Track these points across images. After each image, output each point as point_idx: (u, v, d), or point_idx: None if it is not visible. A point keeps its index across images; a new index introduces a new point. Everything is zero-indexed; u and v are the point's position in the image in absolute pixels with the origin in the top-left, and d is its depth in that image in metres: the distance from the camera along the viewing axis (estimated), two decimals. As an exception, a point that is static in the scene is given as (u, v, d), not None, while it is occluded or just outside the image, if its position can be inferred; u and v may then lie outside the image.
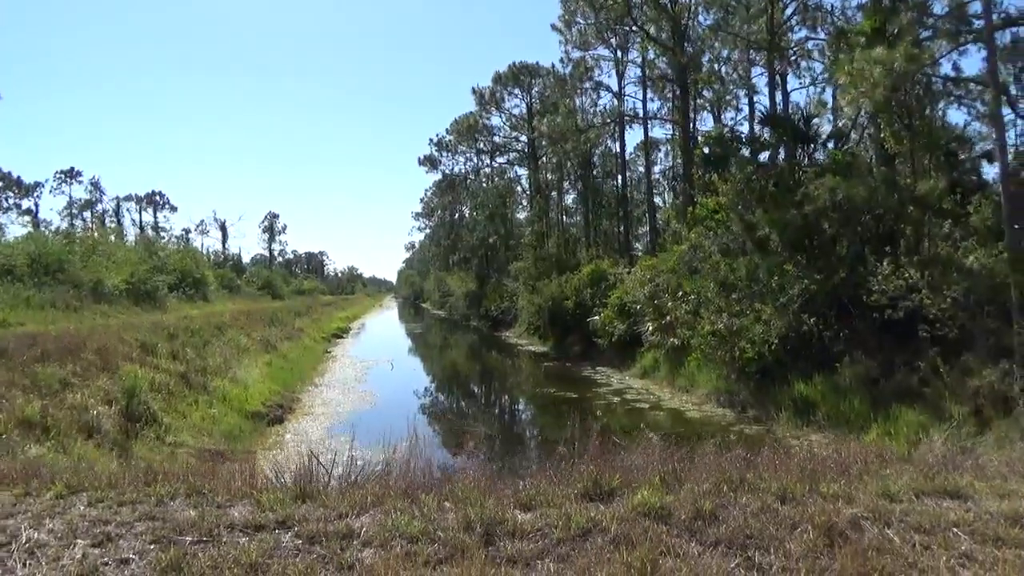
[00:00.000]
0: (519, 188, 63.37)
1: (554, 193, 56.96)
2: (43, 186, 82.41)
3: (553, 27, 37.32)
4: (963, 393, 12.29)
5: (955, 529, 3.99)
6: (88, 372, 14.06)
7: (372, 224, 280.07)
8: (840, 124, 25.64)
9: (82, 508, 4.63)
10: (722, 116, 41.95)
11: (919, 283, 14.36)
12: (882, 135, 19.24)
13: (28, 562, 3.81)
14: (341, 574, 3.68)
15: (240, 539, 4.09)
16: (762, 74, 32.10)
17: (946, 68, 17.87)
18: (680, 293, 21.94)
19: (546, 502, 4.58)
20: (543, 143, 50.50)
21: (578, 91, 43.16)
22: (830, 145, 22.46)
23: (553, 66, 46.29)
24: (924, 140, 18.11)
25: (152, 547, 4.00)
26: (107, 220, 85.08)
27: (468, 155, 69.85)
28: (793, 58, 30.37)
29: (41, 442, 10.63)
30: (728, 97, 40.66)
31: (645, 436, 5.87)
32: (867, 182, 17.48)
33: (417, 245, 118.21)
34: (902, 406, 13.05)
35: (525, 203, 60.34)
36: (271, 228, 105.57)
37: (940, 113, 20.36)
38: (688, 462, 5.27)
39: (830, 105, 31.46)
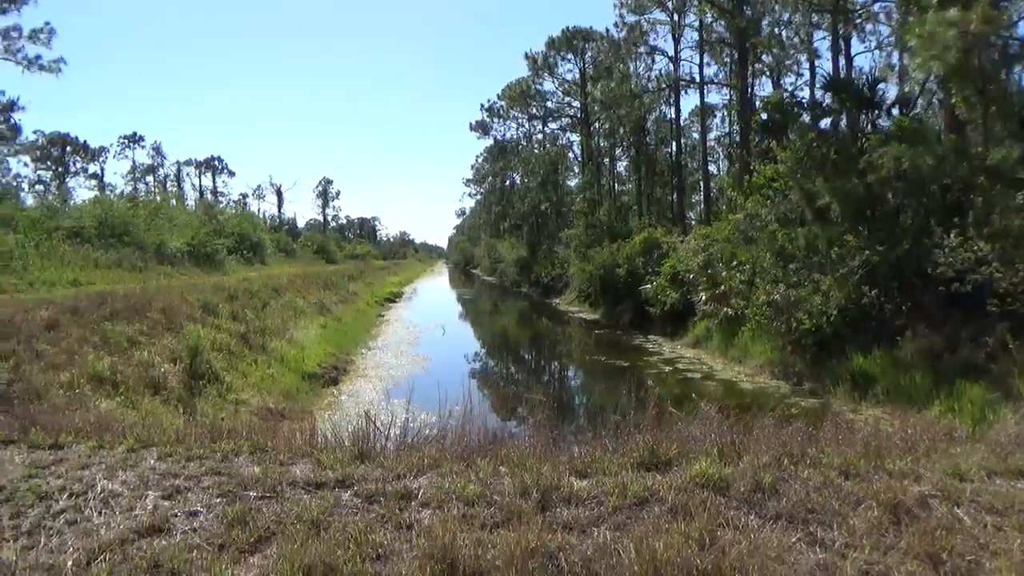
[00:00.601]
0: (571, 155, 62.76)
1: (606, 160, 56.21)
2: (108, 151, 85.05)
3: (609, -10, 36.48)
4: (1033, 370, 11.81)
5: (1030, 511, 3.85)
6: (154, 331, 14.57)
7: (424, 190, 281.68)
8: (907, 89, 24.56)
9: (152, 462, 4.82)
10: (782, 81, 40.62)
11: (989, 256, 13.76)
12: (952, 101, 18.34)
13: (103, 511, 3.99)
14: (400, 533, 3.75)
15: (302, 496, 4.21)
16: (825, 38, 30.95)
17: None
18: (735, 263, 21.52)
19: (601, 470, 4.58)
20: (596, 109, 49.75)
21: (632, 56, 42.23)
22: (896, 111, 21.55)
23: (607, 31, 45.36)
24: (998, 106, 17.20)
25: (219, 501, 4.14)
26: (168, 184, 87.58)
27: (520, 121, 69.45)
28: (858, 21, 29.12)
29: (111, 397, 11.08)
30: (788, 62, 39.27)
31: (701, 407, 5.80)
32: (935, 150, 16.72)
33: (468, 211, 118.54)
34: (967, 382, 12.60)
35: (577, 170, 59.74)
36: (325, 193, 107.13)
37: (1016, 78, 19.29)
38: (746, 434, 5.19)
39: (897, 69, 30.18)
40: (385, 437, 5.40)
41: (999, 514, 3.84)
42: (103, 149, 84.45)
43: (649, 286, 27.13)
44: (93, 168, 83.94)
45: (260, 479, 4.43)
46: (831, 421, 5.57)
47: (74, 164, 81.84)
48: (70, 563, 3.40)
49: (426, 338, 27.43)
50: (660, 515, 3.89)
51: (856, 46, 32.55)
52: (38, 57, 33.01)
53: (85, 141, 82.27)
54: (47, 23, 33.32)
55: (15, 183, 66.93)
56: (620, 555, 3.40)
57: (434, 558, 3.30)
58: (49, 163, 78.19)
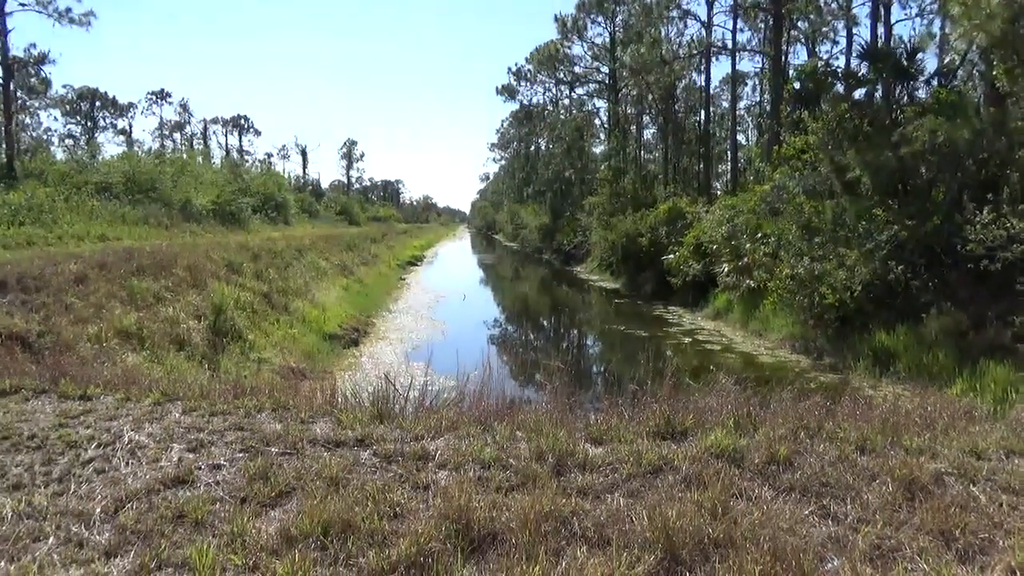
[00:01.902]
0: (597, 121, 62.00)
1: (633, 127, 55.52)
2: (136, 107, 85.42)
3: (642, -50, 35.70)
4: (1061, 351, 11.64)
5: (1047, 492, 3.83)
6: (179, 288, 14.79)
7: (448, 154, 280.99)
8: (947, 60, 23.89)
9: (177, 415, 4.94)
10: (817, 49, 39.71)
11: (1021, 233, 13.49)
12: (994, 73, 17.83)
13: (130, 461, 4.11)
14: (417, 493, 3.82)
15: (322, 454, 4.30)
16: (864, 4, 30.06)
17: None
18: (759, 235, 21.29)
19: (617, 438, 4.61)
20: (625, 75, 48.98)
21: (664, 20, 41.36)
22: (934, 83, 20.99)
23: (640, -7, 44.45)
24: (1042, 79, 16.68)
25: (241, 455, 4.24)
26: (195, 142, 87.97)
27: (547, 85, 68.48)
28: (900, -14, 28.26)
29: (137, 351, 11.33)
30: (825, 29, 38.30)
31: (719, 379, 5.80)
32: (973, 123, 16.29)
33: (492, 176, 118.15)
34: (991, 361, 12.45)
35: (603, 137, 59.05)
36: (349, 155, 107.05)
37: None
38: (763, 407, 5.20)
39: (937, 39, 29.33)
40: (404, 399, 5.48)
41: (1015, 493, 3.82)
42: (131, 105, 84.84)
43: (671, 256, 26.96)
44: (121, 124, 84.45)
45: (282, 436, 4.53)
46: (850, 396, 5.55)
47: (103, 119, 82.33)
48: (98, 510, 3.51)
49: (446, 303, 27.56)
50: (674, 484, 3.92)
51: (897, 13, 31.57)
52: (68, 10, 33.17)
53: (114, 96, 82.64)
54: (78, -25, 33.41)
55: (45, 137, 67.77)
56: (633, 521, 3.44)
57: (450, 518, 3.37)
58: (79, 117, 78.78)
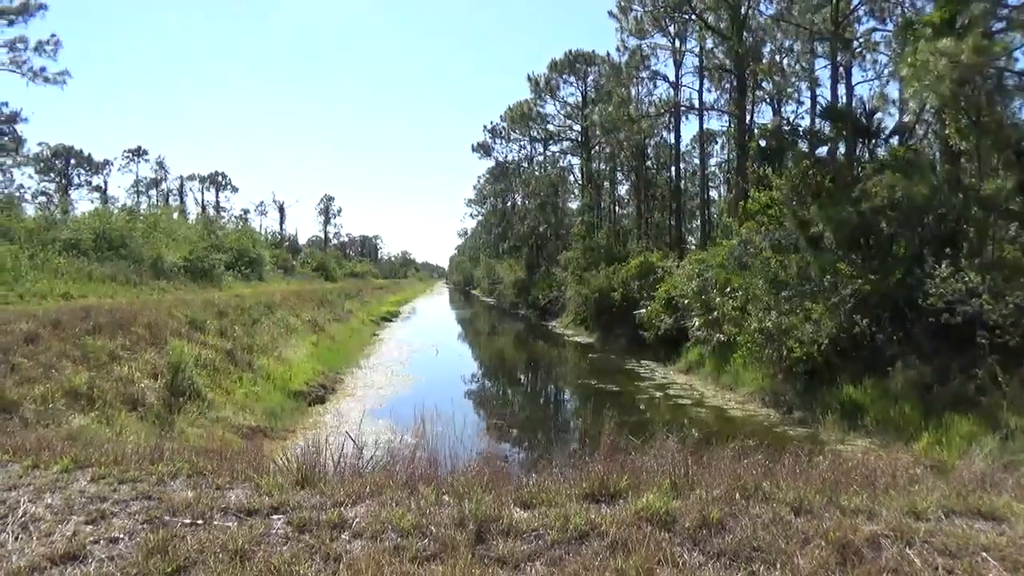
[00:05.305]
0: (571, 177, 62.90)
1: (607, 183, 56.30)
2: (112, 164, 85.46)
3: (610, 14, 36.87)
4: (1022, 404, 11.62)
5: (984, 553, 3.69)
6: (137, 346, 14.42)
7: (427, 209, 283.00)
8: (904, 119, 24.56)
9: (84, 483, 4.66)
10: (782, 108, 40.69)
11: (980, 287, 13.62)
12: (947, 131, 18.30)
13: (20, 536, 3.84)
14: (327, 565, 3.60)
15: (231, 523, 4.06)
16: (825, 66, 31.00)
17: (1023, 63, 16.92)
18: (728, 289, 21.40)
19: (547, 501, 4.42)
20: (597, 132, 49.93)
21: (633, 80, 42.36)
22: (892, 141, 21.53)
23: (609, 55, 45.70)
24: (992, 137, 17.13)
25: (143, 527, 3.99)
26: (171, 199, 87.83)
27: (521, 143, 69.58)
28: (858, 50, 29.21)
29: (86, 412, 10.91)
30: (789, 89, 39.36)
31: (662, 436, 5.62)
32: (929, 180, 16.65)
33: (469, 231, 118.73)
34: (956, 414, 12.42)
35: (577, 192, 59.83)
36: (327, 210, 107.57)
37: (1012, 111, 19.27)
38: (705, 466, 5.03)
39: (897, 98, 30.25)
40: (335, 461, 5.25)
41: (952, 556, 3.67)
42: (107, 162, 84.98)
43: (643, 310, 26.99)
44: (97, 181, 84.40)
45: (192, 504, 4.27)
46: (791, 452, 5.39)
47: (78, 176, 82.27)
48: (-26, 590, 3.26)
49: (419, 359, 27.25)
50: (599, 550, 3.74)
51: (856, 75, 32.66)
52: (43, 69, 33.42)
53: (89, 154, 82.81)
54: (53, 35, 33.89)
55: (18, 194, 67.27)
56: (551, 593, 3.25)
57: (355, 592, 3.16)
58: (53, 175, 78.62)
